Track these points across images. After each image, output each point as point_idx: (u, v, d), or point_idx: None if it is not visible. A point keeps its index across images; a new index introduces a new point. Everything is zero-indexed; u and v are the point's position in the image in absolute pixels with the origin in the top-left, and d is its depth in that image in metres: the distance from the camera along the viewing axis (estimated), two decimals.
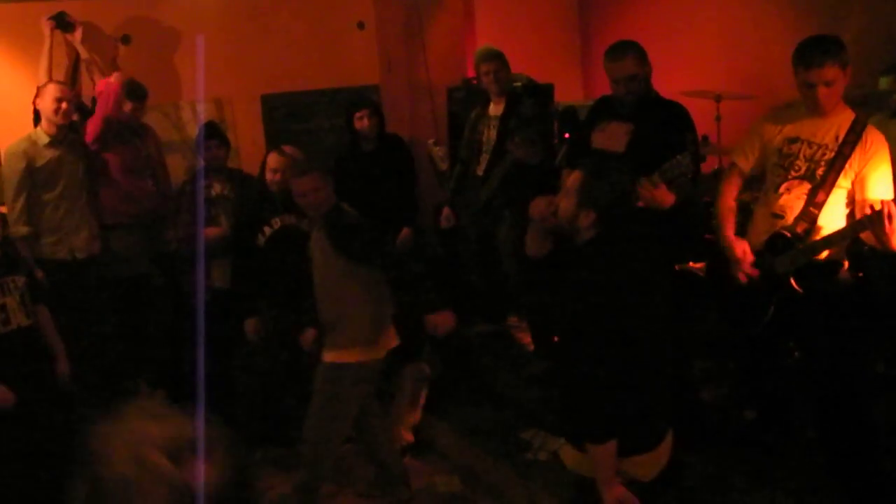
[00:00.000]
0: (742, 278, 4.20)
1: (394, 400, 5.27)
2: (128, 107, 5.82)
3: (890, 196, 3.84)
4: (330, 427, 4.46)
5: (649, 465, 3.23)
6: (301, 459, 4.62)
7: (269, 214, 5.24)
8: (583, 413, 3.11)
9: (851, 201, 3.98)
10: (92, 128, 5.67)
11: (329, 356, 4.46)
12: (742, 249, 4.20)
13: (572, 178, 3.31)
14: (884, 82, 5.17)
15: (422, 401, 5.32)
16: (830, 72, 3.85)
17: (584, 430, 3.12)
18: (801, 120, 4.08)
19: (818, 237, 3.99)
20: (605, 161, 3.79)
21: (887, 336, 5.02)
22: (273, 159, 5.26)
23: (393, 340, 4.57)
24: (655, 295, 3.29)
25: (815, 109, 4.00)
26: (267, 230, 5.21)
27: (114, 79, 5.75)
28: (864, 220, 3.78)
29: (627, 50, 4.63)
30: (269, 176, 5.24)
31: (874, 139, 3.93)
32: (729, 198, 4.37)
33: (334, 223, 4.39)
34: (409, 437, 5.22)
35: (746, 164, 4.32)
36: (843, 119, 3.98)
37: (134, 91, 5.88)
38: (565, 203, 3.30)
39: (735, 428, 4.95)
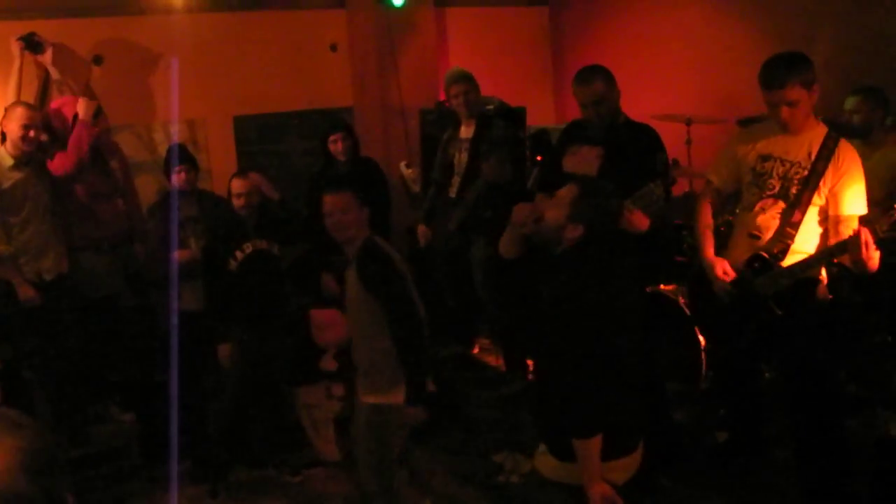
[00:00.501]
0: (724, 297, 4.22)
1: None
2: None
3: (863, 211, 3.87)
4: (385, 472, 4.25)
5: (624, 470, 3.30)
6: None
7: (240, 239, 5.21)
8: (572, 409, 3.16)
9: (825, 218, 4.01)
10: (62, 163, 5.55)
11: (370, 398, 4.21)
12: (722, 268, 4.22)
13: (566, 190, 3.38)
14: (849, 102, 5.23)
15: None
16: (793, 92, 3.88)
17: (574, 425, 3.16)
18: (774, 137, 4.11)
19: (796, 258, 4.02)
20: (599, 181, 3.86)
21: (857, 356, 5.07)
22: (236, 184, 5.23)
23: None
24: (630, 303, 3.43)
25: (784, 128, 4.03)
26: (238, 255, 5.18)
27: (81, 112, 5.64)
28: (843, 245, 3.80)
29: (595, 74, 4.66)
30: (234, 201, 5.21)
31: (846, 155, 3.96)
32: (706, 216, 4.40)
33: (363, 258, 4.14)
34: None
35: (720, 180, 4.36)
36: (815, 135, 4.01)
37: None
38: (555, 212, 3.36)
39: (707, 449, 4.98)
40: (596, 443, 3.15)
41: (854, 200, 3.93)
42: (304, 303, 5.60)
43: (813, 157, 3.97)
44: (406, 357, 4.02)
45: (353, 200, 4.16)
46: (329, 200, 4.17)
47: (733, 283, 4.19)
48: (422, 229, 6.32)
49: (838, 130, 4.13)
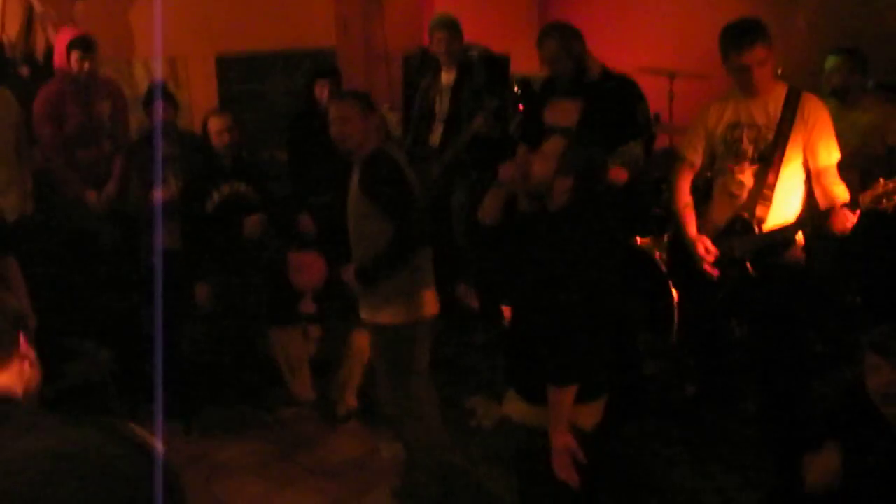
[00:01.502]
0: (709, 270, 4.28)
1: (341, 365, 5.30)
2: (74, 58, 5.54)
3: (838, 156, 4.04)
4: (406, 391, 4.21)
5: (592, 415, 3.37)
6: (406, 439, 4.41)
7: (218, 180, 5.19)
8: (554, 357, 3.20)
9: (805, 170, 4.11)
10: (45, 93, 5.51)
11: (372, 318, 4.19)
12: (704, 247, 4.28)
13: (551, 144, 3.37)
14: (831, 61, 5.24)
15: (368, 366, 5.34)
16: (761, 51, 3.97)
17: (554, 373, 3.21)
18: (738, 104, 4.19)
19: (776, 219, 4.10)
20: (585, 132, 3.94)
21: (828, 317, 5.16)
22: (215, 122, 5.20)
23: (434, 304, 4.22)
24: (615, 259, 3.52)
25: (748, 91, 4.11)
26: (216, 196, 5.17)
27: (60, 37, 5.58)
28: (822, 216, 3.95)
29: (547, 34, 4.83)
30: (215, 139, 5.18)
31: (811, 107, 4.06)
32: (684, 194, 4.45)
33: (368, 167, 4.03)
34: (353, 401, 5.25)
35: (696, 156, 4.40)
36: (777, 95, 4.09)
37: (78, 44, 5.58)
38: (542, 167, 3.35)
39: (676, 401, 5.06)
40: (571, 391, 3.20)
41: (829, 150, 4.06)
42: (282, 244, 5.62)
43: (777, 117, 4.04)
44: (390, 251, 3.97)
45: (354, 110, 4.01)
46: (332, 109, 4.10)
47: (714, 242, 4.25)
48: None
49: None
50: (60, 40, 5.64)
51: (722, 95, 4.33)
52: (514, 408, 3.50)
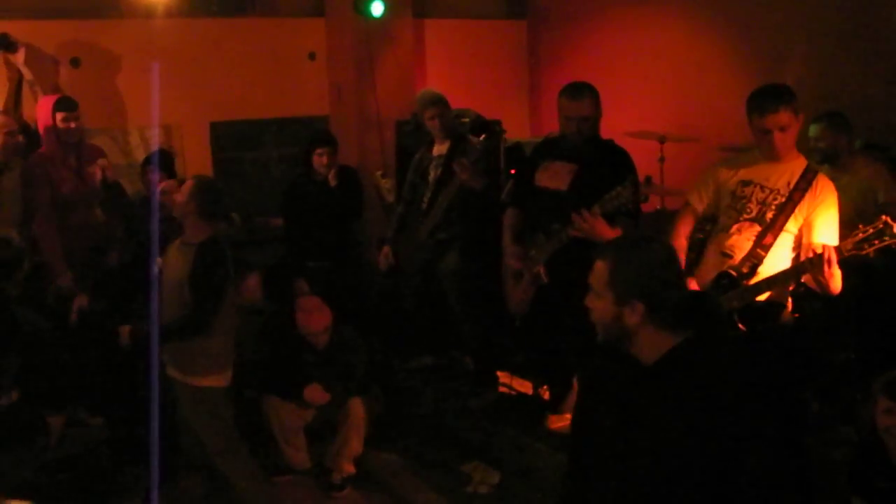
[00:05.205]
0: None
1: (337, 432, 5.26)
2: (60, 118, 5.55)
3: (834, 242, 3.96)
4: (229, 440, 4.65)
5: None
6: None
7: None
8: None
9: (797, 245, 4.10)
10: (36, 160, 5.53)
11: (189, 380, 4.55)
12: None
13: (594, 274, 2.63)
14: (813, 129, 5.31)
15: (365, 433, 5.30)
16: (784, 117, 3.98)
17: None
18: (756, 164, 4.21)
19: (763, 278, 4.09)
20: (628, 240, 3.17)
21: (820, 375, 5.14)
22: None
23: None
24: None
25: (770, 155, 4.12)
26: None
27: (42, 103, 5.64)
28: (806, 263, 3.88)
29: (587, 91, 4.79)
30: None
31: (824, 186, 4.07)
32: (681, 237, 4.45)
33: (201, 256, 4.44)
34: (350, 468, 5.21)
35: (700, 204, 4.42)
36: (797, 166, 4.11)
37: (62, 104, 5.61)
38: (597, 304, 2.60)
39: None
40: None
41: (827, 229, 4.04)
42: (276, 310, 5.61)
43: (792, 185, 4.07)
44: (170, 328, 4.45)
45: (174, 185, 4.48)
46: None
47: None
48: (385, 251, 6.30)
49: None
50: (42, 106, 5.66)
51: (738, 154, 4.37)
52: None
